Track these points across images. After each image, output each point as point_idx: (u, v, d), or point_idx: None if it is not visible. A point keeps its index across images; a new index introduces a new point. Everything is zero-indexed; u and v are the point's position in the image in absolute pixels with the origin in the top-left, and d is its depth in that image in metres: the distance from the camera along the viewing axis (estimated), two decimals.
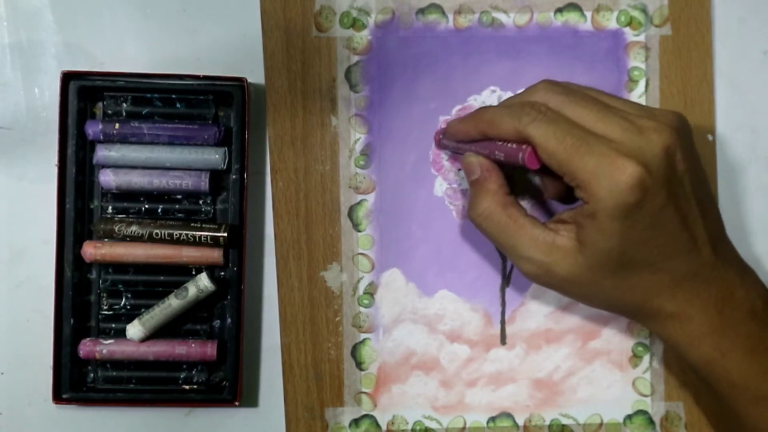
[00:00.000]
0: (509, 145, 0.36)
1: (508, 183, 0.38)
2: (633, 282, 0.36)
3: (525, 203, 0.43)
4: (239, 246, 0.42)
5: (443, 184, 0.44)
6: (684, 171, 0.35)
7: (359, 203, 0.44)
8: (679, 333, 0.36)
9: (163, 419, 0.43)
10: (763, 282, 0.38)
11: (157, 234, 0.41)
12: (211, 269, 0.43)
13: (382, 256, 0.44)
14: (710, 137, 0.44)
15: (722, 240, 0.37)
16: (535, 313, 0.44)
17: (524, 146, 0.35)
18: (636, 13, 0.44)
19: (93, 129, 0.41)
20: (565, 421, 0.44)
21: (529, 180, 0.43)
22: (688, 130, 0.36)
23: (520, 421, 0.43)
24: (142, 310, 0.42)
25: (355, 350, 0.43)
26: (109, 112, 0.43)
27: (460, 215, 0.44)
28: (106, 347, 0.42)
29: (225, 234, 0.41)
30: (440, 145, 0.43)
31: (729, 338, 0.36)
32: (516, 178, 0.42)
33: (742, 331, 0.36)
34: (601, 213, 0.33)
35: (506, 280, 0.44)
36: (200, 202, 0.43)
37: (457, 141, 0.40)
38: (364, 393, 0.43)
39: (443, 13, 0.44)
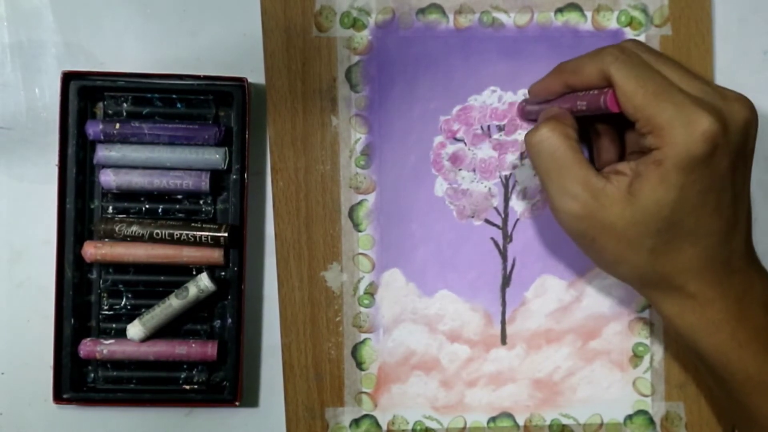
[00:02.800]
0: (591, 92, 0.36)
1: None
2: (668, 249, 0.35)
3: None
4: (240, 246, 0.42)
5: (443, 184, 0.44)
6: (750, 151, 0.35)
7: (360, 203, 0.44)
8: (697, 317, 0.36)
9: (164, 419, 0.43)
10: None
11: (157, 234, 0.41)
12: (211, 269, 0.43)
13: (382, 256, 0.44)
14: None
15: (750, 234, 0.37)
16: (536, 313, 0.44)
17: (606, 89, 0.35)
18: (636, 13, 0.44)
19: (93, 129, 0.41)
20: (565, 421, 0.44)
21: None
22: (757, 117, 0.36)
23: (521, 421, 0.44)
24: (143, 310, 0.42)
25: (355, 350, 0.43)
26: (110, 112, 0.43)
27: (461, 215, 0.44)
28: (107, 347, 0.42)
29: (225, 234, 0.41)
30: (524, 114, 0.43)
31: (746, 329, 0.35)
32: None
33: (759, 324, 0.36)
34: (669, 160, 0.33)
35: (506, 280, 0.44)
36: (201, 202, 0.43)
37: (540, 102, 0.40)
38: (365, 393, 0.43)
39: (443, 13, 0.44)
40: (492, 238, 0.44)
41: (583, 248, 0.37)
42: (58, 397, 0.42)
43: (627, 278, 0.38)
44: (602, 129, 0.40)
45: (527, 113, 0.43)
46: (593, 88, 0.36)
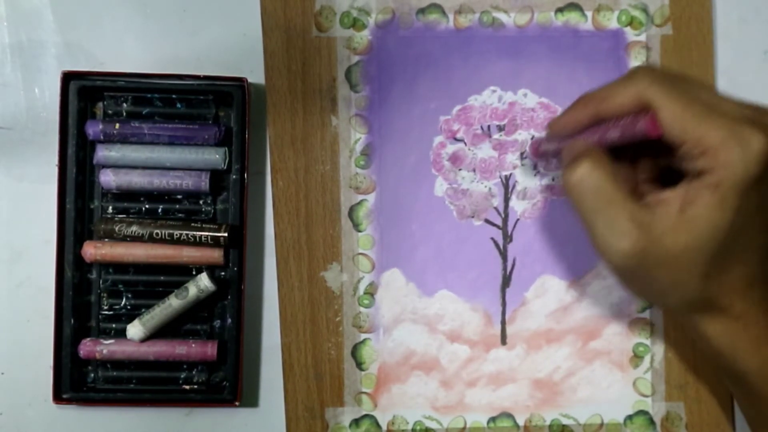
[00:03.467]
0: (624, 119, 0.34)
1: None
2: (721, 271, 0.34)
3: None
4: (239, 246, 0.42)
5: (443, 184, 0.44)
6: None
7: (359, 203, 0.44)
8: (740, 335, 0.35)
9: (164, 419, 0.43)
10: None
11: (157, 234, 0.41)
12: (211, 269, 0.43)
13: (382, 256, 0.44)
14: None
15: None
16: (536, 313, 0.44)
17: (642, 114, 0.33)
18: (637, 13, 0.44)
19: (93, 129, 0.41)
20: (565, 421, 0.44)
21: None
22: None
23: (521, 422, 0.43)
24: (143, 310, 0.42)
25: (355, 350, 0.43)
26: (110, 112, 0.43)
27: (461, 215, 0.44)
28: (107, 347, 0.42)
29: (225, 234, 0.41)
30: (539, 154, 0.41)
31: None
32: None
33: None
34: (727, 182, 0.32)
35: (506, 280, 0.44)
36: (200, 202, 0.43)
37: (563, 137, 0.37)
38: (365, 393, 0.43)
39: (443, 13, 0.44)
40: (492, 238, 0.44)
41: (629, 283, 0.36)
42: (58, 397, 0.42)
43: (673, 305, 0.36)
44: (636, 155, 0.38)
45: (543, 153, 0.41)
46: (625, 115, 0.34)
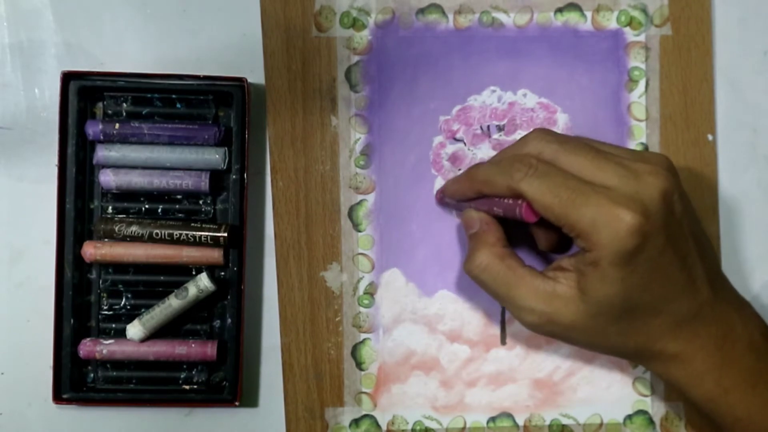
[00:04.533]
0: (506, 200, 0.37)
1: (506, 235, 0.39)
2: (636, 326, 0.36)
3: (521, 254, 0.43)
4: (239, 246, 0.42)
5: (443, 184, 0.44)
6: (681, 212, 0.35)
7: (359, 203, 0.44)
8: (681, 373, 0.36)
9: (163, 419, 0.43)
10: (759, 315, 0.38)
11: (157, 234, 0.41)
12: (211, 269, 0.43)
13: (382, 256, 0.44)
14: (710, 137, 0.44)
15: (719, 276, 0.38)
16: None
17: (520, 201, 0.36)
18: (636, 13, 0.44)
19: (93, 129, 0.41)
20: (565, 421, 0.44)
21: (525, 231, 0.42)
22: (676, 171, 0.36)
23: (520, 421, 0.43)
24: (142, 310, 0.42)
25: (355, 350, 0.43)
26: (110, 112, 0.43)
27: (461, 215, 0.44)
28: (106, 347, 0.42)
29: (225, 234, 0.41)
30: (442, 203, 0.43)
31: (730, 374, 0.36)
32: (511, 230, 0.41)
33: (743, 366, 0.36)
34: (603, 260, 0.34)
35: None
36: (200, 202, 0.43)
37: (456, 201, 0.41)
38: (364, 393, 0.43)
39: (443, 13, 0.44)
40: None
41: (558, 340, 0.38)
42: (58, 397, 0.42)
43: (607, 354, 0.39)
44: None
45: (445, 204, 0.43)
46: (507, 198, 0.37)
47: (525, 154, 0.36)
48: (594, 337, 0.36)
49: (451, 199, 0.42)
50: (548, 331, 0.37)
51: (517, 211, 0.36)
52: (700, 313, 0.36)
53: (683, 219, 0.35)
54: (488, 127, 0.44)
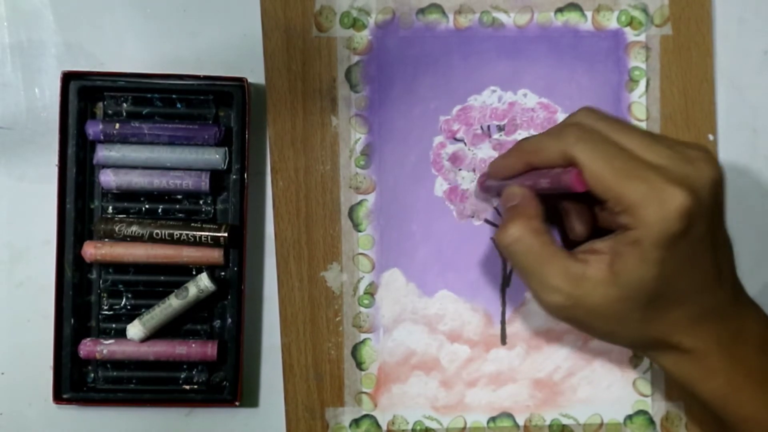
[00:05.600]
0: (554, 171, 0.35)
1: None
2: (659, 315, 0.35)
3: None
4: (239, 246, 0.42)
5: (443, 184, 0.44)
6: (722, 204, 0.35)
7: (359, 203, 0.44)
8: (694, 368, 0.36)
9: (164, 419, 0.43)
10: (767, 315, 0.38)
11: (157, 234, 0.41)
12: (211, 269, 0.43)
13: (382, 256, 0.44)
14: (710, 137, 0.44)
15: (735, 275, 0.38)
16: (536, 313, 0.44)
17: (569, 169, 0.34)
18: (636, 13, 0.44)
19: (93, 129, 0.41)
20: (565, 421, 0.44)
21: (557, 220, 0.41)
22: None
23: (521, 421, 0.43)
24: (143, 310, 0.42)
25: (355, 350, 0.43)
26: (110, 112, 0.43)
27: (461, 215, 0.44)
28: (107, 347, 0.42)
29: (225, 234, 0.41)
30: (484, 188, 0.42)
31: (741, 372, 0.36)
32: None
33: (753, 365, 0.36)
34: (647, 240, 0.33)
35: (506, 280, 0.44)
36: (200, 202, 0.43)
37: (501, 178, 0.39)
38: (365, 393, 0.43)
39: (443, 13, 0.44)
40: (492, 238, 0.44)
41: (571, 326, 0.38)
42: (58, 397, 0.42)
43: (622, 344, 0.39)
44: (571, 203, 0.39)
45: (487, 188, 0.42)
46: (556, 167, 0.36)
47: (578, 121, 0.35)
48: (615, 324, 0.35)
49: (495, 178, 0.40)
50: (570, 315, 0.36)
51: (565, 180, 0.34)
52: (719, 309, 0.35)
53: (723, 212, 0.35)
54: (488, 127, 0.44)
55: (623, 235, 0.34)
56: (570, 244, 0.39)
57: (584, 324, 0.36)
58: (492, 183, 0.41)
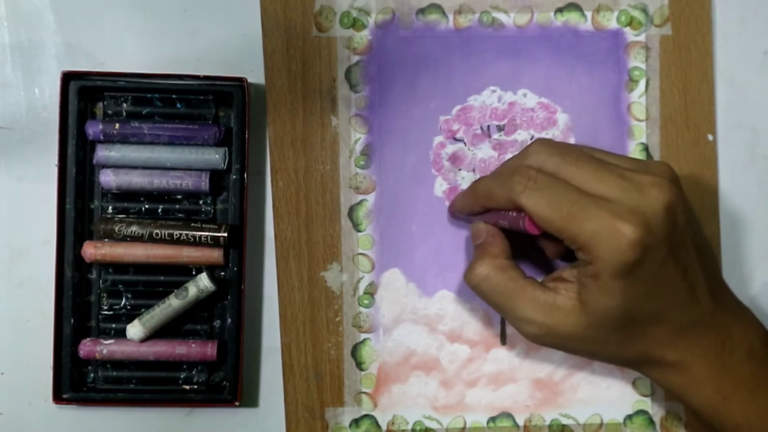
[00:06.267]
0: (510, 213, 0.37)
1: (511, 245, 0.39)
2: (636, 336, 0.36)
3: (527, 263, 0.43)
4: (239, 246, 0.42)
5: (443, 184, 0.44)
6: (684, 223, 0.35)
7: (359, 203, 0.44)
8: (681, 380, 0.37)
9: (163, 419, 0.43)
10: (760, 321, 0.38)
11: (157, 234, 0.41)
12: (211, 269, 0.43)
13: (382, 256, 0.44)
14: (710, 137, 0.44)
15: (719, 284, 0.38)
16: None
17: (523, 214, 0.35)
18: (636, 13, 0.44)
19: (93, 129, 0.41)
20: (565, 421, 0.44)
21: (533, 240, 0.41)
22: (679, 180, 0.36)
23: (520, 421, 0.43)
24: (143, 310, 0.42)
25: (355, 350, 0.43)
26: (110, 112, 0.43)
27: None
28: (107, 347, 0.42)
29: (225, 234, 0.41)
30: (454, 217, 0.43)
31: (729, 381, 0.36)
32: (520, 239, 0.40)
33: (742, 373, 0.36)
34: (604, 273, 0.33)
35: None
36: (200, 202, 0.43)
37: (465, 215, 0.42)
38: (365, 393, 0.43)
39: (443, 13, 0.44)
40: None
41: (558, 350, 0.39)
42: (58, 397, 0.42)
43: (607, 362, 0.41)
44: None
45: (456, 217, 0.43)
46: (511, 211, 0.37)
47: (525, 165, 0.36)
48: (594, 346, 0.36)
49: (459, 214, 0.42)
50: (548, 342, 0.37)
51: (520, 224, 0.36)
52: (700, 321, 0.36)
53: (686, 230, 0.35)
54: (488, 127, 0.44)
55: (584, 268, 0.35)
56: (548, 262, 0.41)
57: (565, 347, 0.37)
58: (459, 216, 0.43)
